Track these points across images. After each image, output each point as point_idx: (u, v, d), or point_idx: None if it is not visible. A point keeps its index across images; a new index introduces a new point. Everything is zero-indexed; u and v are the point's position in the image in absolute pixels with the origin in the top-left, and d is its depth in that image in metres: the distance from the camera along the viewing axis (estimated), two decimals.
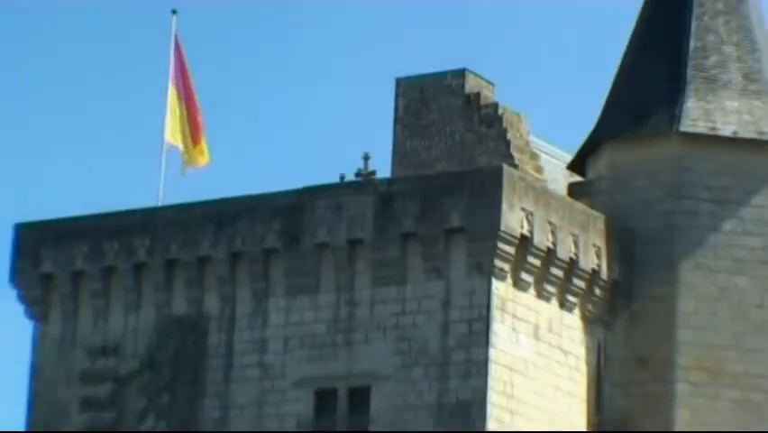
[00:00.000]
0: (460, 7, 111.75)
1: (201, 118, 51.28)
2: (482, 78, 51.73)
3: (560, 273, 45.61)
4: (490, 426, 42.69)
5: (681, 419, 46.55)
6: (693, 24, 50.08)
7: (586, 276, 46.50)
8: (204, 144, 51.27)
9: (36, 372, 49.14)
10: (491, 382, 42.92)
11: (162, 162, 50.18)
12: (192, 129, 50.69)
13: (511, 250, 43.66)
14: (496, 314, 43.37)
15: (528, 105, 49.43)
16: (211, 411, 46.32)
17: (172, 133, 49.84)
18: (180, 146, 50.52)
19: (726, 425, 46.81)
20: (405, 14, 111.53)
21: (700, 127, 48.27)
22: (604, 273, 46.91)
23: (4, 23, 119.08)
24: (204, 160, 51.01)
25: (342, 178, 48.54)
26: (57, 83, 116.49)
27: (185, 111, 50.80)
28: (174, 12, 52.24)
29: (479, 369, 42.99)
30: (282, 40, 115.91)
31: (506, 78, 50.64)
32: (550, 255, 45.11)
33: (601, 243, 47.11)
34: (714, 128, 48.12)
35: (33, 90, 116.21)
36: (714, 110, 48.69)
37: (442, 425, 43.18)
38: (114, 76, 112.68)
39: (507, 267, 43.91)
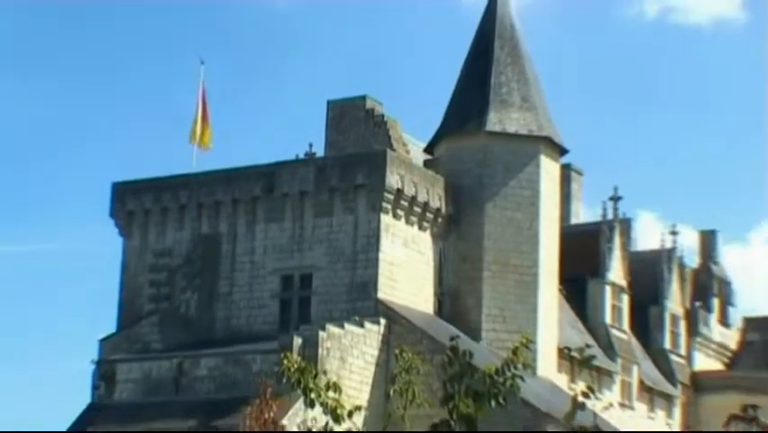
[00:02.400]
0: (367, 48, 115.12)
1: (209, 122, 53.46)
2: (375, 99, 53.66)
3: (418, 210, 49.35)
4: (380, 296, 46.96)
5: (485, 291, 49.60)
6: (493, 69, 52.13)
7: (433, 211, 49.97)
8: (207, 137, 53.36)
9: (125, 267, 52.28)
10: (380, 271, 47.39)
11: (194, 149, 53.09)
12: (203, 127, 52.85)
13: (391, 197, 47.86)
14: (382, 233, 47.83)
15: (401, 113, 55.42)
16: (223, 288, 50.19)
17: (192, 135, 52.73)
18: (197, 140, 52.80)
19: (512, 295, 49.67)
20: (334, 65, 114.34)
21: (496, 128, 51.17)
22: (443, 210, 50.19)
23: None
24: (208, 144, 53.38)
25: (295, 156, 52.65)
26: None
27: (200, 119, 52.95)
28: (202, 62, 54.81)
29: (373, 264, 47.58)
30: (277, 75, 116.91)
31: (389, 99, 55.02)
32: (412, 200, 48.85)
33: (441, 193, 50.30)
34: (504, 129, 51.12)
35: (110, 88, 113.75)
36: (504, 119, 51.45)
37: (351, 295, 47.39)
38: (166, 99, 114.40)
39: (388, 207, 47.95)
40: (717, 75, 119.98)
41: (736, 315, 68.07)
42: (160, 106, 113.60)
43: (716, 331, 65.66)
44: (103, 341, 49.29)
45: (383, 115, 52.94)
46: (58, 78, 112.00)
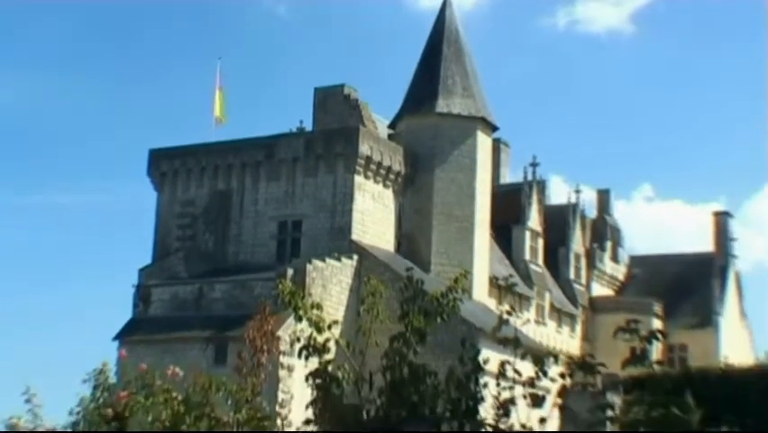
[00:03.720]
0: (345, 46, 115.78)
1: (225, 103, 52.92)
2: (351, 87, 52.69)
3: (383, 172, 49.13)
4: (353, 238, 47.06)
5: (434, 235, 49.36)
6: (441, 64, 51.41)
7: (394, 173, 49.66)
8: (223, 115, 53.17)
9: (158, 215, 52.05)
10: (353, 219, 47.45)
11: (212, 122, 52.77)
12: (220, 107, 52.43)
13: (362, 162, 47.80)
14: (355, 190, 47.75)
15: (371, 98, 55.28)
16: (233, 230, 49.96)
17: (216, 110, 52.52)
18: (218, 116, 52.69)
19: (454, 238, 49.10)
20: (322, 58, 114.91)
21: (444, 110, 50.58)
22: (402, 172, 49.88)
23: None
24: (224, 121, 53.23)
25: (289, 130, 51.86)
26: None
27: (218, 101, 52.40)
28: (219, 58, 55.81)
29: (348, 213, 47.58)
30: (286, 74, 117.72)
31: (362, 87, 54.61)
32: (379, 165, 48.69)
33: (401, 159, 49.93)
34: (450, 111, 50.59)
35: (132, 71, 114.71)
36: (450, 103, 50.75)
37: (331, 237, 47.27)
38: (191, 82, 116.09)
39: (360, 169, 47.79)
40: (610, 72, 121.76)
41: (624, 254, 68.15)
42: (187, 90, 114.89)
43: (608, 266, 65.82)
44: (141, 270, 49.15)
45: (357, 99, 52.31)
46: (109, 73, 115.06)
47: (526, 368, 7.31)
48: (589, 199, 66.17)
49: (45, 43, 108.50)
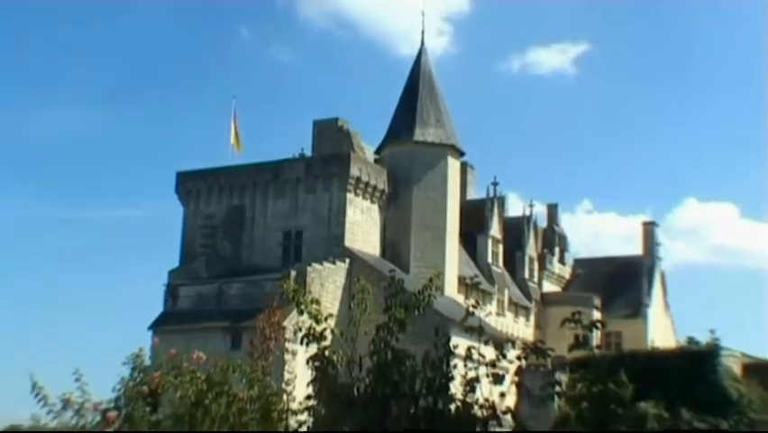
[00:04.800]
0: (338, 86, 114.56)
1: (240, 134, 51.45)
2: (343, 119, 51.88)
3: (370, 190, 48.57)
4: (346, 244, 46.61)
5: (412, 242, 48.83)
6: (418, 101, 51.12)
7: (379, 191, 49.14)
8: (238, 144, 51.37)
9: (184, 226, 51.39)
10: (346, 229, 47.04)
11: (229, 148, 51.26)
12: (236, 137, 50.91)
13: (353, 182, 47.43)
14: (347, 205, 47.31)
15: (360, 128, 55.14)
16: (246, 239, 49.40)
17: (232, 139, 50.80)
18: (234, 144, 51.03)
19: (429, 245, 48.59)
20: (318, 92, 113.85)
21: (420, 139, 50.16)
22: (386, 190, 49.33)
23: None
24: (239, 149, 51.65)
25: (292, 155, 51.11)
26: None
27: (233, 132, 50.98)
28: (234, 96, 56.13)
29: (341, 224, 47.21)
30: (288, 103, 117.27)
31: (353, 119, 54.75)
32: (366, 184, 48.27)
33: (385, 180, 49.42)
34: (425, 139, 50.31)
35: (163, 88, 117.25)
36: (425, 133, 50.34)
37: (328, 244, 46.54)
38: (211, 116, 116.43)
39: (351, 188, 47.38)
40: (556, 107, 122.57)
41: (569, 257, 68.13)
42: (208, 122, 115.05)
43: (556, 267, 65.76)
44: (170, 272, 48.88)
45: (348, 130, 51.89)
46: (143, 108, 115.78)
47: (489, 352, 7.53)
48: (540, 212, 65.84)
49: (93, 84, 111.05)
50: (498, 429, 7.09)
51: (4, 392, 69.69)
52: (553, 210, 68.14)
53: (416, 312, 8.49)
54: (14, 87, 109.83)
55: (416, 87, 52.52)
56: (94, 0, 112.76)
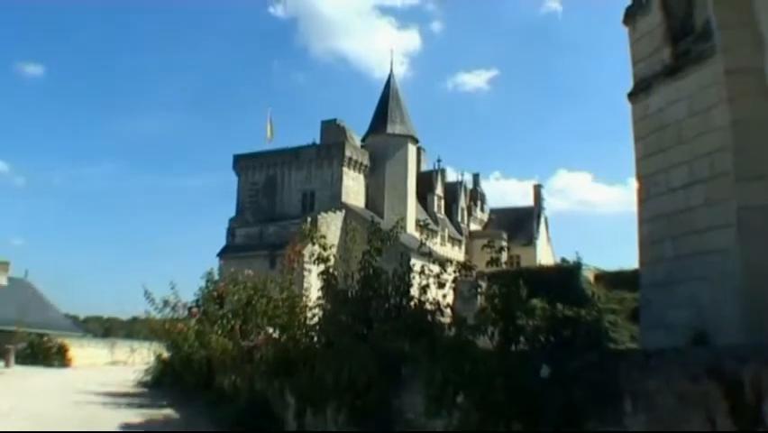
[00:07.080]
0: (336, 98, 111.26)
1: (273, 129, 50.16)
2: (341, 120, 49.24)
3: (358, 165, 46.60)
4: (343, 200, 43.90)
5: (386, 200, 45.76)
6: (389, 108, 47.36)
7: (364, 166, 46.96)
8: (272, 135, 50.09)
9: (239, 190, 47.49)
10: (342, 190, 45.41)
11: (266, 138, 49.80)
12: (271, 131, 49.62)
13: (347, 160, 45.79)
14: (343, 175, 45.81)
15: (352, 125, 53.89)
16: (278, 197, 47.04)
17: (268, 132, 49.66)
18: (269, 136, 49.92)
19: (396, 200, 46.22)
20: (322, 94, 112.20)
21: (390, 131, 47.50)
22: (369, 165, 47.03)
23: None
24: (272, 138, 49.98)
25: (307, 143, 49.10)
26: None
27: (269, 128, 49.89)
28: (269, 107, 54.76)
29: (339, 187, 45.48)
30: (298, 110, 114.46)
31: (348, 119, 53.55)
32: (356, 161, 46.50)
33: (368, 159, 47.16)
34: (394, 132, 47.07)
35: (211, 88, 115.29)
36: (394, 128, 47.32)
37: (331, 201, 43.83)
38: (255, 118, 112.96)
39: (346, 164, 45.77)
40: (478, 111, 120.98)
41: (487, 208, 67.11)
42: (253, 122, 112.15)
43: (479, 214, 64.48)
44: (230, 219, 47.49)
45: (344, 127, 49.22)
46: (213, 112, 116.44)
47: (435, 268, 7.24)
48: (468, 179, 64.05)
49: (175, 96, 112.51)
50: (441, 318, 6.87)
51: (127, 296, 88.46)
52: (476, 177, 66.17)
53: (388, 243, 8.30)
54: (122, 98, 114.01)
55: (387, 98, 50.15)
56: (174, 35, 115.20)
